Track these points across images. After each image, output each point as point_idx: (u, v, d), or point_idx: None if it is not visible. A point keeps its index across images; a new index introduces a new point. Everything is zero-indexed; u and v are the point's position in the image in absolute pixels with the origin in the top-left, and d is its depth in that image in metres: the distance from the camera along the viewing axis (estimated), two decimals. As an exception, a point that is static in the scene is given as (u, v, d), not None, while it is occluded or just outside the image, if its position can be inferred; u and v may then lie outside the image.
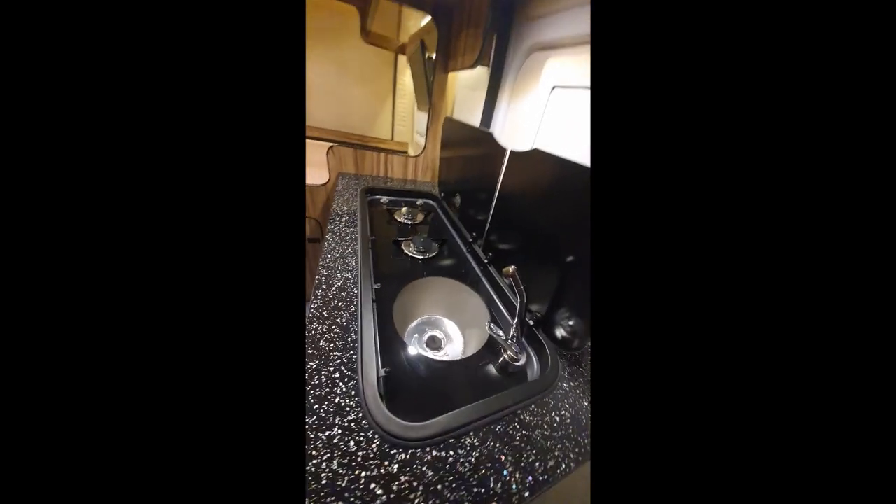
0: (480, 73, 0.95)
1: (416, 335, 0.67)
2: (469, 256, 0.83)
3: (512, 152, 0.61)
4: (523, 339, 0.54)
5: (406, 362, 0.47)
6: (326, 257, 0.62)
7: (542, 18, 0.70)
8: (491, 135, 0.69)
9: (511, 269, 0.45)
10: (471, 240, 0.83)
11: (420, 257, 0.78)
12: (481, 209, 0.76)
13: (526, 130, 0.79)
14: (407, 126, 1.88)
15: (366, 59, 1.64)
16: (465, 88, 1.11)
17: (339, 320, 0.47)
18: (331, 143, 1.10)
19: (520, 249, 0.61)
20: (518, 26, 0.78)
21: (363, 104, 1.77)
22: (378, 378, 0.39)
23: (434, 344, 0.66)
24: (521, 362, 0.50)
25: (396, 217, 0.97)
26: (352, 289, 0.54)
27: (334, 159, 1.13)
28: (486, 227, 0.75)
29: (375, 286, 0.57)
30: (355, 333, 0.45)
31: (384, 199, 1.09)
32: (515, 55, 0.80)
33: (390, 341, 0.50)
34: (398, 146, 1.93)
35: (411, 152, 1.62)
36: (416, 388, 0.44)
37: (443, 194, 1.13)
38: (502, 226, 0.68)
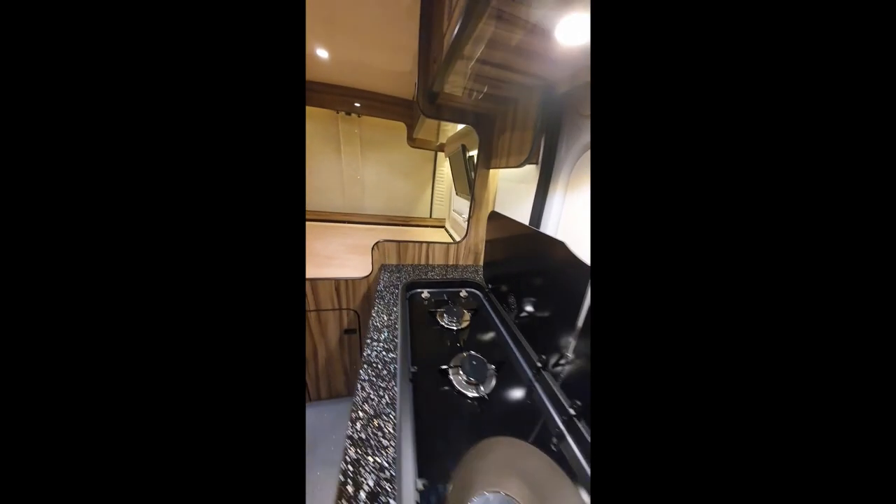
0: (528, 169, 0.91)
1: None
2: (538, 387, 0.62)
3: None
4: None
5: None
6: (360, 412, 0.48)
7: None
8: (564, 244, 0.57)
9: None
10: (539, 364, 0.64)
11: (473, 394, 0.60)
12: (556, 329, 0.59)
13: (583, 232, 0.66)
14: (444, 205, 2.23)
15: (410, 158, 2.05)
16: (510, 181, 1.09)
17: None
18: (377, 240, 1.13)
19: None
20: (570, 125, 0.74)
21: (407, 192, 2.18)
22: None
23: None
24: None
25: (439, 320, 0.84)
26: (385, 481, 0.37)
27: (378, 253, 1.13)
28: (569, 358, 0.56)
29: (420, 485, 0.39)
30: None
31: (425, 293, 0.99)
32: (569, 153, 0.75)
33: None
34: (436, 222, 2.31)
35: (448, 226, 1.90)
36: None
37: (490, 286, 1.00)
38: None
